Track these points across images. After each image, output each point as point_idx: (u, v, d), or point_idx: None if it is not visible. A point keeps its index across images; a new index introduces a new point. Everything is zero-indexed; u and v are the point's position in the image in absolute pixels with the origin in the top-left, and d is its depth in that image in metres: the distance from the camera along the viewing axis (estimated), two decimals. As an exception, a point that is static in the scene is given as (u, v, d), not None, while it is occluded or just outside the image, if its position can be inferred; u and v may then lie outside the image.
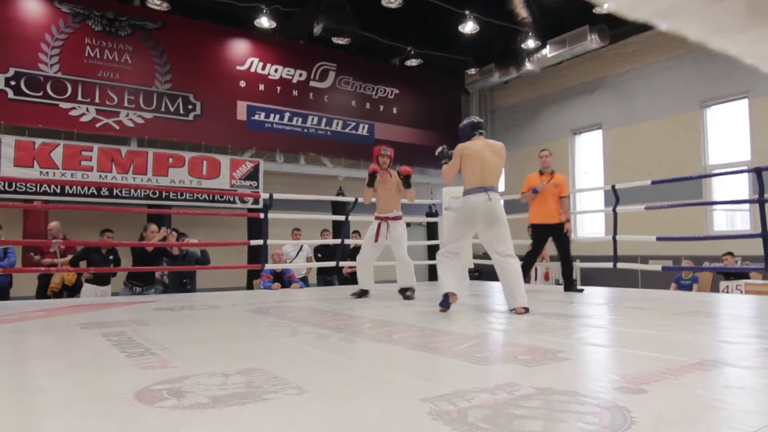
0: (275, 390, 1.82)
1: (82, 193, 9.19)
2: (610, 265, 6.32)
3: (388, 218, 5.22)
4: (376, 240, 5.18)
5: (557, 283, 8.35)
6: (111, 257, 6.40)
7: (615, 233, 6.36)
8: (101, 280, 6.37)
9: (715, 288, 7.89)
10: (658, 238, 6.35)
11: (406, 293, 5.22)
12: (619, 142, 11.65)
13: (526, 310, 3.89)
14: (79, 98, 9.53)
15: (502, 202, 4.15)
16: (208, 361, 2.40)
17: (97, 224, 7.11)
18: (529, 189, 6.12)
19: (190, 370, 2.14)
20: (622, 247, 6.34)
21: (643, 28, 10.86)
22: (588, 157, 12.62)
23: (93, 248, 6.33)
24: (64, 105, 9.40)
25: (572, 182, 12.64)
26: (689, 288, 7.73)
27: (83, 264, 6.33)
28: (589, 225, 12.36)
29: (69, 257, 6.52)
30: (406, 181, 5.17)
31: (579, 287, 6.17)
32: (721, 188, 10.07)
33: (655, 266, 6.77)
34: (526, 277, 5.84)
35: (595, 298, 5.53)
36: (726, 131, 10.29)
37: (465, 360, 2.36)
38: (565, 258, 6.06)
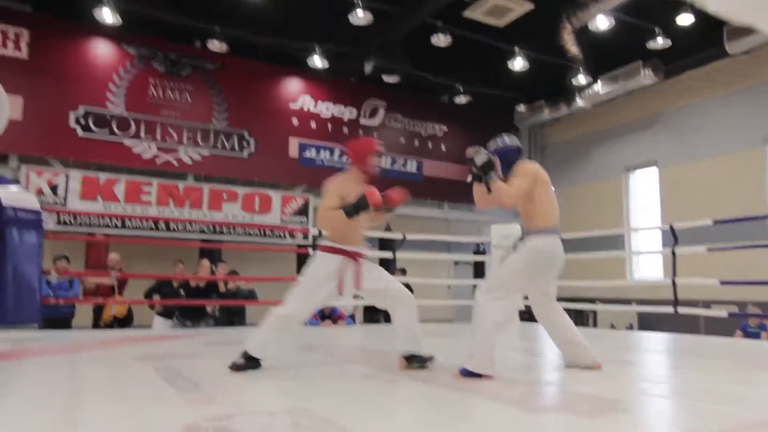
0: (321, 433, 1.79)
1: (141, 226, 9.55)
2: (669, 309, 6.00)
3: (357, 254, 3.21)
4: (340, 292, 3.13)
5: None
6: (182, 290, 6.50)
7: (674, 276, 6.06)
8: (169, 313, 6.49)
9: (786, 336, 7.38)
10: (722, 282, 6.00)
11: (424, 361, 3.18)
12: (677, 179, 11.26)
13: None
14: (142, 135, 10.02)
15: None
16: (256, 399, 2.39)
17: (154, 257, 7.30)
18: None
19: (237, 408, 2.13)
20: (683, 291, 6.01)
21: (698, 63, 10.60)
22: (643, 196, 12.23)
23: (165, 282, 6.45)
24: (128, 142, 9.88)
25: (627, 221, 12.26)
26: (757, 336, 7.22)
27: (156, 297, 6.47)
28: (646, 267, 11.89)
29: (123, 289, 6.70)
30: (389, 210, 3.42)
31: None
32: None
33: (721, 312, 6.37)
34: None
35: (655, 344, 5.26)
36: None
37: (517, 407, 2.27)
38: None
